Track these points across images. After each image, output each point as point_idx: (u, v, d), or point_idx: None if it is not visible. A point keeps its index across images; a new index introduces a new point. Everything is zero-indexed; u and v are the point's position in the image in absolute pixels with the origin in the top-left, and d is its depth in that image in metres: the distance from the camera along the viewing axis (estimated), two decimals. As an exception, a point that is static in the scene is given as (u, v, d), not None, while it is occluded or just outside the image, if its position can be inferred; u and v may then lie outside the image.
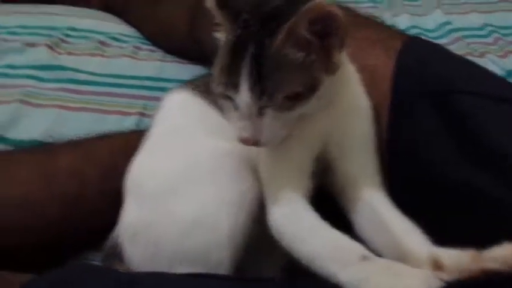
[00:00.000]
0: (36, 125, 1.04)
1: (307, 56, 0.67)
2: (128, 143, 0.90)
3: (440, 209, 0.77)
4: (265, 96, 0.66)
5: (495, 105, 0.78)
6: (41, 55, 1.21)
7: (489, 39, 1.29)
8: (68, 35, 1.29)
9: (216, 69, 0.70)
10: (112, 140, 0.98)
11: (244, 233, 0.76)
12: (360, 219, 0.75)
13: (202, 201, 0.76)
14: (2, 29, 1.28)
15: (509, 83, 0.87)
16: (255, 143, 0.69)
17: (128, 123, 1.10)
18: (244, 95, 0.67)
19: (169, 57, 1.27)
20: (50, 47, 1.23)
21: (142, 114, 1.13)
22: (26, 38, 1.26)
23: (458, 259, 0.63)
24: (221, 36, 0.72)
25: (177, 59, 1.25)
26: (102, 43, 1.28)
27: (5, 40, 1.26)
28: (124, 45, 1.29)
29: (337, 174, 0.77)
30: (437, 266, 0.64)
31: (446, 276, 0.63)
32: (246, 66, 0.66)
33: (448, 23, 1.34)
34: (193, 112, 0.85)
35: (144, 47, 1.29)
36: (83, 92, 1.15)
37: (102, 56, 1.24)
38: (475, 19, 1.36)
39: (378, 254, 0.68)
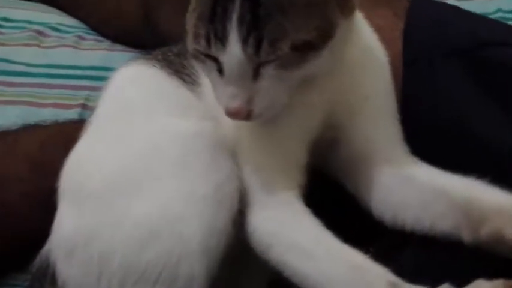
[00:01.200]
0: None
1: None
2: (64, 133, 0.71)
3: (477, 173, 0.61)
4: (264, 47, 0.50)
5: None
6: (-35, 46, 1.04)
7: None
8: (0, 26, 1.13)
9: (191, 19, 0.54)
10: (42, 131, 0.78)
11: (222, 239, 0.57)
12: (392, 195, 0.60)
13: (165, 199, 0.58)
14: None
15: None
16: (248, 115, 0.53)
17: (67, 118, 0.90)
18: (234, 48, 0.50)
19: (118, 46, 1.11)
20: (-24, 38, 1.06)
21: (84, 107, 0.96)
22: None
23: None
24: None
25: (127, 48, 1.10)
26: (39, 33, 1.12)
27: None
28: (66, 35, 1.14)
29: (349, 148, 0.62)
30: None
31: None
32: (236, 8, 0.50)
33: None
34: (149, 85, 0.67)
35: (89, 37, 1.14)
36: (13, 84, 0.99)
37: (38, 46, 1.09)
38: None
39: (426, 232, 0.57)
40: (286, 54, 0.50)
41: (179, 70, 0.66)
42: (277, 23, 0.50)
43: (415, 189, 0.60)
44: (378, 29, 0.65)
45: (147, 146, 0.60)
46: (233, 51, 0.50)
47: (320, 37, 0.52)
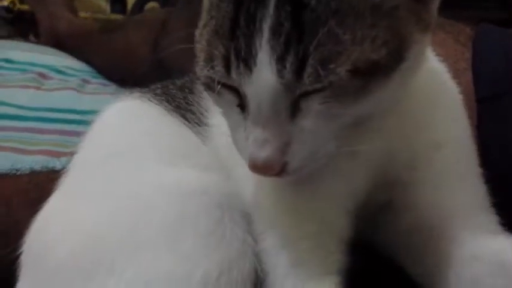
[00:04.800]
0: None
1: None
2: (38, 186, 0.57)
3: None
4: (309, 69, 0.35)
5: None
6: (-44, 86, 0.95)
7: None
8: (0, 67, 1.06)
9: (202, 38, 0.39)
10: (11, 183, 0.64)
11: None
12: (466, 273, 0.44)
13: (146, 284, 0.42)
14: None
15: None
16: (281, 169, 0.37)
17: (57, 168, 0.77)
18: (265, 73, 0.36)
19: (124, 91, 0.99)
20: (-28, 79, 0.98)
21: (76, 155, 0.81)
22: None
23: None
24: None
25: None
26: (42, 75, 1.05)
27: None
28: (70, 78, 1.06)
29: (410, 215, 0.46)
30: None
31: None
32: (269, 14, 0.35)
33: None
34: (141, 124, 0.53)
35: (95, 80, 1.07)
36: (1, 128, 0.86)
37: (38, 88, 1.00)
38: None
39: None
40: (342, 81, 0.35)
41: (182, 106, 0.52)
42: (331, 33, 0.35)
43: (492, 267, 0.44)
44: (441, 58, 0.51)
45: (129, 206, 0.45)
46: (263, 77, 0.35)
47: (390, 58, 0.37)
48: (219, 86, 0.38)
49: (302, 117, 0.37)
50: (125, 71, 1.02)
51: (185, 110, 0.52)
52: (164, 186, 0.46)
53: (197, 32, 0.40)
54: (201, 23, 0.40)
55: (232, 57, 0.36)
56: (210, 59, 0.38)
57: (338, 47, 0.35)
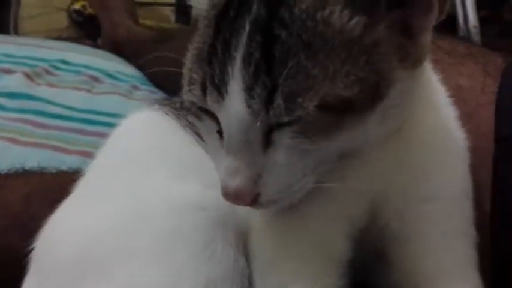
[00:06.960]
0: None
1: (369, 25, 0.36)
2: (59, 184, 0.58)
3: None
4: (277, 101, 0.34)
5: None
6: (12, 83, 1.00)
7: None
8: (56, 68, 1.10)
9: (189, 58, 0.40)
10: (34, 179, 0.66)
11: None
12: None
13: None
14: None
15: None
16: (253, 200, 0.37)
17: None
18: (235, 101, 0.35)
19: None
20: (27, 76, 1.02)
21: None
22: (5, 66, 1.05)
23: None
24: (203, 5, 0.41)
25: (179, 102, 0.98)
26: (94, 79, 1.08)
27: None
28: (120, 83, 1.09)
29: (396, 267, 0.44)
30: None
31: None
32: (242, 44, 0.35)
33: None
34: (155, 137, 0.53)
35: (144, 87, 1.09)
36: (46, 127, 0.90)
37: (88, 91, 1.03)
38: None
39: None
40: (311, 116, 0.34)
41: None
42: (300, 67, 0.34)
43: None
44: (461, 91, 0.48)
45: (130, 215, 0.46)
46: (233, 106, 0.35)
47: (364, 96, 0.35)
48: (199, 110, 0.38)
49: (274, 150, 0.36)
50: (174, 81, 1.02)
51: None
52: (166, 199, 0.46)
53: (187, 56, 0.40)
54: (191, 46, 0.40)
55: (208, 83, 0.36)
56: (190, 83, 0.38)
57: (307, 81, 0.34)
